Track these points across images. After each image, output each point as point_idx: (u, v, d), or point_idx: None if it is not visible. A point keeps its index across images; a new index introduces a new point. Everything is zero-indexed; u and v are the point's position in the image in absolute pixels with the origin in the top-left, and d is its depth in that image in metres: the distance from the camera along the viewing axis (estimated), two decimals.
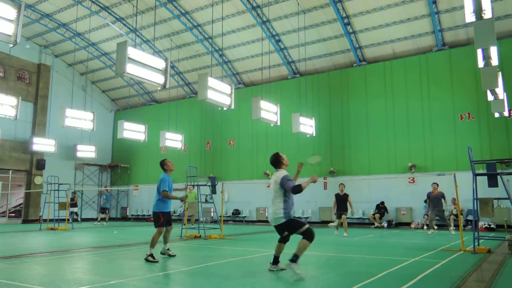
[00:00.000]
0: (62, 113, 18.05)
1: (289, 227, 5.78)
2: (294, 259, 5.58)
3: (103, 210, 21.90)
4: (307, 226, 5.72)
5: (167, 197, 7.61)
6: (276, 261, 6.00)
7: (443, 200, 13.27)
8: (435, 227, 14.69)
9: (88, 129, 19.31)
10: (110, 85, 28.23)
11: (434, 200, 13.26)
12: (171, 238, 12.26)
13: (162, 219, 7.58)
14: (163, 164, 7.96)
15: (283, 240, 5.96)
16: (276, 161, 6.08)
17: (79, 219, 22.58)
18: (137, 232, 15.14)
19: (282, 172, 5.93)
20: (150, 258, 7.20)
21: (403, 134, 19.05)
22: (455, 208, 17.23)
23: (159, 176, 7.85)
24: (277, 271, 5.98)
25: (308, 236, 5.63)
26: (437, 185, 13.48)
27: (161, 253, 7.86)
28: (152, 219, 7.93)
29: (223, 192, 16.58)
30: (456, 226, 16.25)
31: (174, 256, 7.84)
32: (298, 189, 5.63)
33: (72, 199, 22.14)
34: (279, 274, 6.02)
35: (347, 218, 14.10)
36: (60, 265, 7.06)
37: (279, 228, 5.86)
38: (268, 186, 21.64)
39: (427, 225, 17.02)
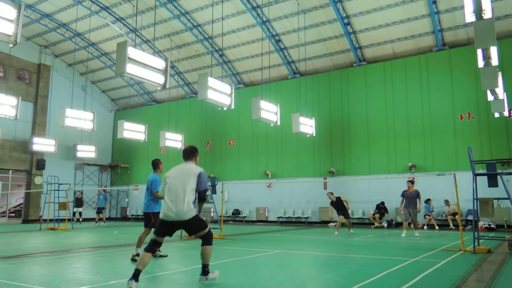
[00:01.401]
0: (62, 113, 18.04)
1: (194, 224, 4.99)
2: (206, 270, 5.10)
3: (99, 210, 21.89)
4: (208, 228, 5.15)
5: (159, 198, 7.58)
6: (137, 276, 4.72)
7: (417, 199, 12.98)
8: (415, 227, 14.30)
9: (88, 129, 19.30)
10: (110, 85, 28.23)
11: (408, 198, 13.10)
12: (171, 238, 12.28)
13: (153, 220, 7.54)
14: (156, 163, 7.90)
15: (152, 250, 5.04)
16: (192, 154, 5.46)
17: (80, 219, 22.51)
18: (137, 232, 15.09)
19: (197, 167, 5.31)
20: (137, 258, 7.15)
21: (403, 134, 19.05)
22: (444, 211, 17.27)
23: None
24: None
25: (209, 239, 5.08)
26: (412, 183, 13.38)
27: (152, 255, 7.77)
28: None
29: (223, 192, 16.60)
30: (456, 227, 16.28)
31: (165, 256, 7.79)
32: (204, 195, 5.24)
33: (79, 199, 22.03)
34: (279, 274, 6.02)
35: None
36: (60, 265, 7.06)
37: (185, 224, 4.99)
38: (269, 186, 21.65)
39: (427, 225, 17.06)
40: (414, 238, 12.34)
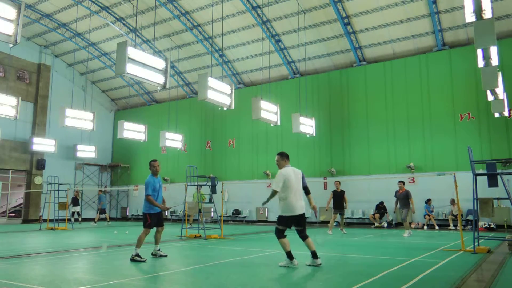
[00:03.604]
0: (62, 113, 18.02)
1: (303, 219, 6.72)
2: (316, 255, 6.63)
3: (101, 210, 21.98)
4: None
5: (150, 202, 7.52)
6: (291, 256, 6.63)
7: (409, 199, 12.95)
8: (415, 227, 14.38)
9: (88, 129, 19.27)
10: (110, 85, 28.23)
11: (400, 199, 13.13)
12: (171, 238, 12.28)
13: (149, 221, 7.57)
14: (150, 165, 7.83)
15: (284, 236, 6.71)
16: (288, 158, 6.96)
17: (79, 218, 22.48)
18: (137, 232, 15.11)
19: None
20: (137, 258, 7.18)
21: (403, 134, 19.04)
22: (444, 211, 17.23)
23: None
24: (290, 267, 6.58)
25: (306, 233, 6.72)
26: (403, 183, 13.40)
27: (152, 254, 7.78)
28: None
29: (223, 192, 16.59)
30: (455, 227, 16.28)
31: (165, 256, 7.78)
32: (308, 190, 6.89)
33: (75, 198, 21.96)
34: (279, 274, 6.03)
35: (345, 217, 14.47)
36: (60, 265, 7.06)
37: (302, 217, 6.67)
38: (269, 186, 21.63)
39: (427, 225, 17.06)
40: (414, 238, 12.34)
